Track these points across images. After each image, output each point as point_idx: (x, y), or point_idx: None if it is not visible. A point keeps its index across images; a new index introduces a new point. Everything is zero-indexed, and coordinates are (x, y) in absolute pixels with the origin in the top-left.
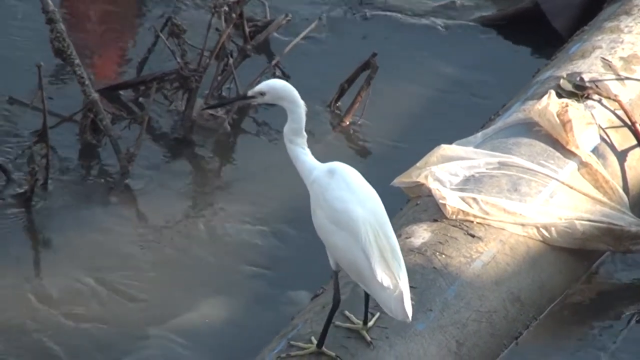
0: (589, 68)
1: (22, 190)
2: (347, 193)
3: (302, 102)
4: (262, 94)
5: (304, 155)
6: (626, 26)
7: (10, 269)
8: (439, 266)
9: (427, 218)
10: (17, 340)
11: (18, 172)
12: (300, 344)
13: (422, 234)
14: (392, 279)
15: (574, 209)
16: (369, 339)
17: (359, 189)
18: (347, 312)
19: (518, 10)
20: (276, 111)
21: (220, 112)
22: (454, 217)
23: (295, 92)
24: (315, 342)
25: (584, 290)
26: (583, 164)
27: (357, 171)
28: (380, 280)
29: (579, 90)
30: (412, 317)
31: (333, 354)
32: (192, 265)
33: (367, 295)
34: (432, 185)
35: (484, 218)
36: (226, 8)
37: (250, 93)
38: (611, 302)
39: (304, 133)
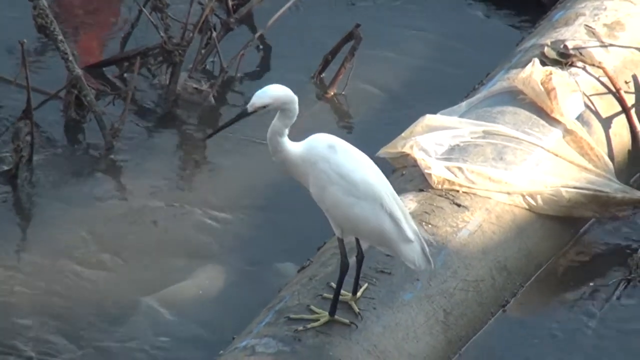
0: (573, 35)
1: (7, 168)
2: (356, 163)
3: (296, 96)
4: (264, 107)
5: (289, 144)
6: None
7: None
8: (425, 236)
9: (413, 188)
10: (3, 315)
11: (3, 149)
12: (310, 316)
13: (408, 204)
14: (414, 233)
15: (559, 176)
16: (357, 309)
17: (361, 158)
18: (333, 284)
19: None
20: (260, 84)
21: (204, 85)
22: (439, 186)
23: (292, 92)
24: (319, 311)
25: (571, 257)
26: (568, 132)
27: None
28: (408, 236)
29: (563, 58)
30: (400, 287)
31: (347, 320)
32: (177, 239)
33: (358, 266)
34: (418, 155)
35: (469, 187)
36: None
37: (251, 108)
38: (598, 268)
39: None
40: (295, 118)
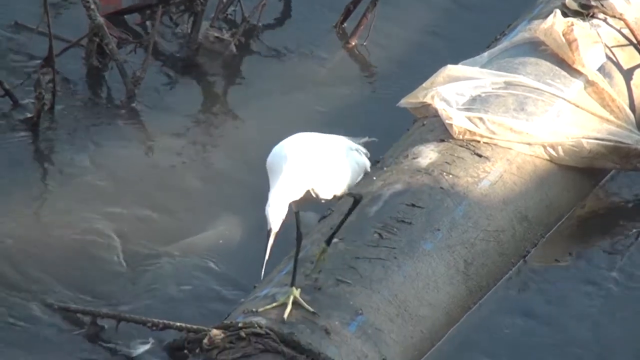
0: None
1: (29, 115)
2: (317, 137)
3: None
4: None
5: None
6: None
7: (18, 193)
8: (446, 186)
9: (434, 138)
10: (24, 263)
11: (25, 97)
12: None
13: (429, 154)
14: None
15: (580, 127)
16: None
17: (306, 134)
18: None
19: None
20: (282, 33)
21: (226, 34)
22: (460, 137)
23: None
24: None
25: (591, 208)
26: (589, 83)
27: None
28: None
29: (585, 9)
30: (420, 237)
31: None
32: (199, 188)
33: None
34: (439, 105)
35: (490, 138)
36: None
37: (276, 227)
38: (618, 219)
39: None
40: None
